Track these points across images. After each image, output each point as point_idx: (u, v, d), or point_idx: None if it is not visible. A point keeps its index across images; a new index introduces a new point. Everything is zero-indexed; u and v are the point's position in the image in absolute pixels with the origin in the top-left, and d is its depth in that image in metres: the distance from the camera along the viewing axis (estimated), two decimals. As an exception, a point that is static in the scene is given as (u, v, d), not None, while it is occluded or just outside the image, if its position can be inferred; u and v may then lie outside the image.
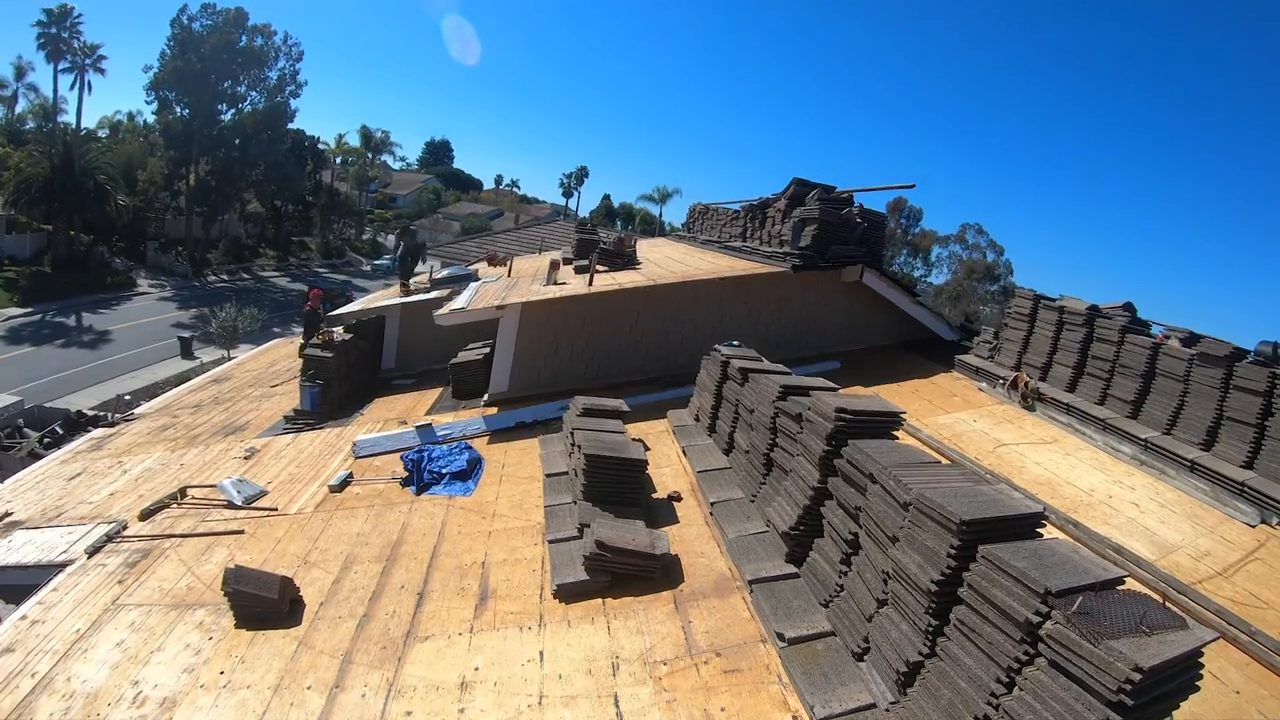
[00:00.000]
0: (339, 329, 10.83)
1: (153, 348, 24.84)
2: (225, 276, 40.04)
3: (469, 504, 5.77)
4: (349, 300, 15.11)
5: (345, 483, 6.35)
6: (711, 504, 5.18)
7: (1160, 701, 2.34)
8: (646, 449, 5.52)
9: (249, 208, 47.10)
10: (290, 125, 44.02)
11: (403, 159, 77.80)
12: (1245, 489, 5.48)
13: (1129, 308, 7.90)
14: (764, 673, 3.48)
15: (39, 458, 7.63)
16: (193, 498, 6.33)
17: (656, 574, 4.33)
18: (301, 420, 8.72)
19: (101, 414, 15.61)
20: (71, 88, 38.38)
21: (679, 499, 5.46)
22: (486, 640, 3.95)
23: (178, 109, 38.34)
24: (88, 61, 38.11)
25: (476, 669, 3.71)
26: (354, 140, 62.73)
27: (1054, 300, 8.32)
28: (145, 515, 6.03)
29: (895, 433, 4.42)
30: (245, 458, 7.40)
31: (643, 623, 3.96)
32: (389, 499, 5.99)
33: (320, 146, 57.48)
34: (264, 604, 4.25)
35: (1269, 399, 5.70)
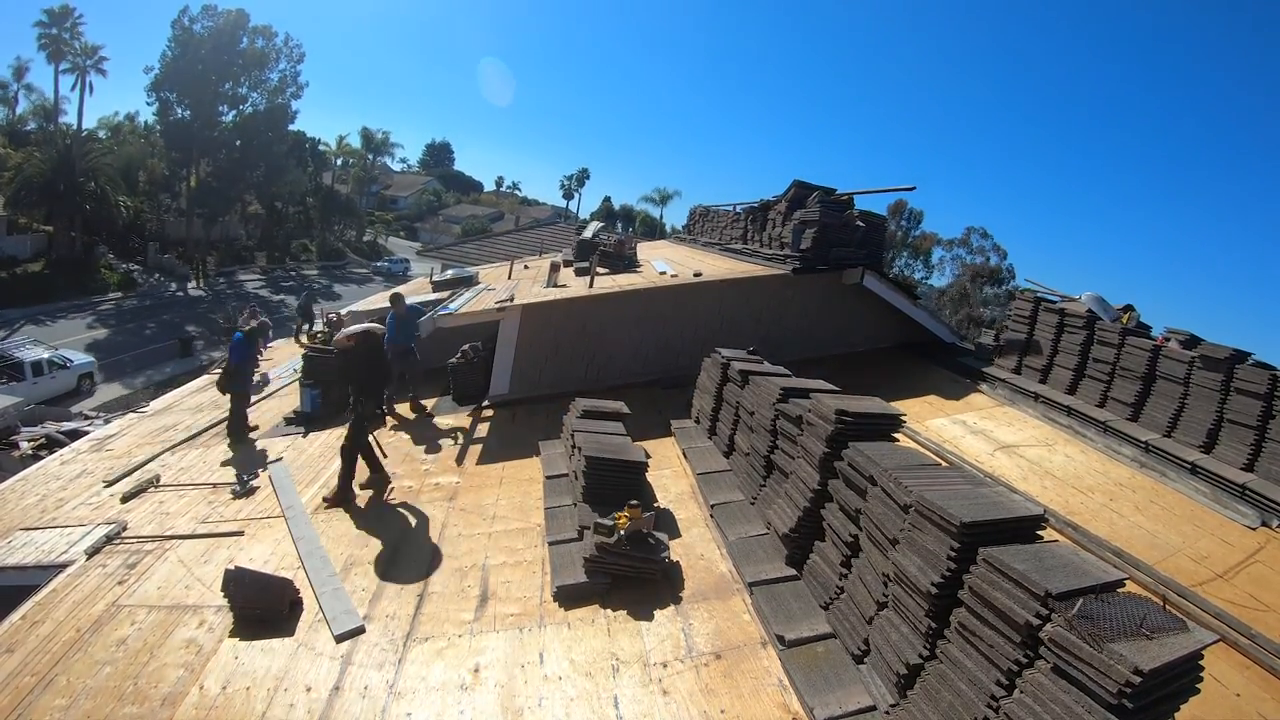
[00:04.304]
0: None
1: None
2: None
3: (469, 505, 5.77)
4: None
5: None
6: (712, 506, 5.18)
7: (1161, 704, 2.34)
8: (647, 454, 5.52)
9: (249, 209, 47.12)
10: (291, 126, 44.07)
11: (403, 160, 77.87)
12: (1245, 491, 5.48)
13: (1129, 309, 7.91)
14: (764, 675, 3.49)
15: (40, 458, 7.63)
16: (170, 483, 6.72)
17: (657, 576, 4.33)
18: (302, 422, 8.71)
19: (99, 416, 15.61)
20: (72, 88, 38.62)
21: (679, 501, 5.45)
22: (487, 642, 3.95)
23: (179, 110, 38.37)
24: (88, 62, 38.33)
25: (476, 670, 3.71)
26: (355, 141, 62.71)
27: (1055, 302, 8.33)
28: (126, 499, 6.49)
29: (895, 435, 4.42)
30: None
31: (643, 625, 3.96)
32: (389, 500, 5.99)
33: (321, 148, 57.52)
34: (264, 605, 4.25)
35: (1269, 402, 5.70)
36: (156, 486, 6.81)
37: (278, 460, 7.21)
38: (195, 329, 28.26)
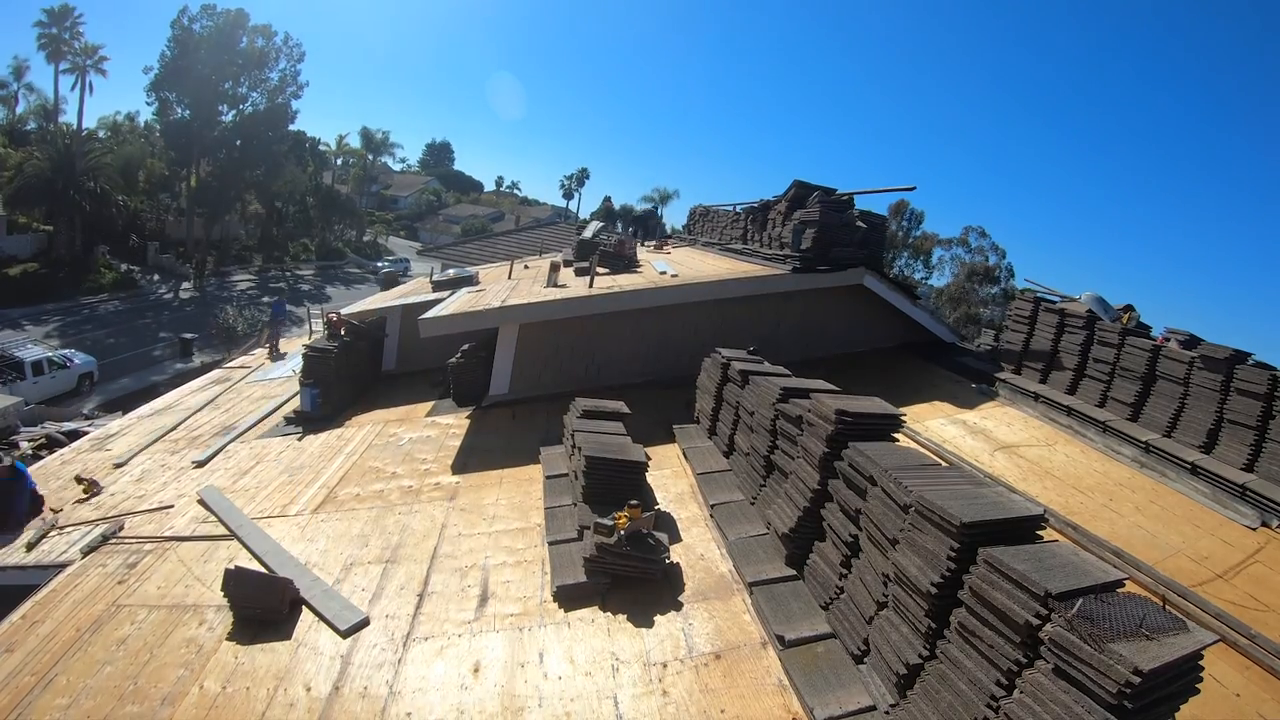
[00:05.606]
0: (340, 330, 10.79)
1: None
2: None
3: (469, 505, 5.77)
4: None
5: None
6: (712, 506, 5.18)
7: (1160, 704, 2.34)
8: (647, 455, 5.52)
9: (250, 209, 47.07)
10: (291, 126, 44.01)
11: (403, 160, 77.85)
12: (1245, 491, 5.49)
13: (1129, 309, 7.91)
14: (764, 675, 3.49)
15: (40, 458, 7.64)
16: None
17: (657, 576, 4.33)
18: (301, 422, 8.71)
19: (97, 416, 15.63)
20: (72, 88, 38.57)
21: (679, 501, 5.45)
22: (486, 641, 3.95)
23: (178, 110, 38.33)
24: (88, 62, 38.28)
25: (476, 670, 3.71)
26: (355, 141, 62.73)
27: (1054, 302, 8.34)
28: (86, 553, 5.54)
29: (895, 435, 4.42)
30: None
31: (642, 625, 3.96)
32: (388, 501, 6.00)
33: (321, 147, 57.54)
34: (263, 605, 4.25)
35: (1269, 402, 5.70)
36: (118, 536, 5.82)
37: (207, 486, 6.61)
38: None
